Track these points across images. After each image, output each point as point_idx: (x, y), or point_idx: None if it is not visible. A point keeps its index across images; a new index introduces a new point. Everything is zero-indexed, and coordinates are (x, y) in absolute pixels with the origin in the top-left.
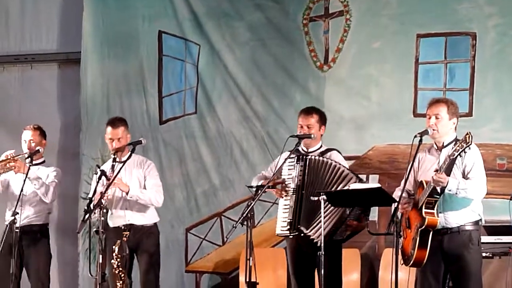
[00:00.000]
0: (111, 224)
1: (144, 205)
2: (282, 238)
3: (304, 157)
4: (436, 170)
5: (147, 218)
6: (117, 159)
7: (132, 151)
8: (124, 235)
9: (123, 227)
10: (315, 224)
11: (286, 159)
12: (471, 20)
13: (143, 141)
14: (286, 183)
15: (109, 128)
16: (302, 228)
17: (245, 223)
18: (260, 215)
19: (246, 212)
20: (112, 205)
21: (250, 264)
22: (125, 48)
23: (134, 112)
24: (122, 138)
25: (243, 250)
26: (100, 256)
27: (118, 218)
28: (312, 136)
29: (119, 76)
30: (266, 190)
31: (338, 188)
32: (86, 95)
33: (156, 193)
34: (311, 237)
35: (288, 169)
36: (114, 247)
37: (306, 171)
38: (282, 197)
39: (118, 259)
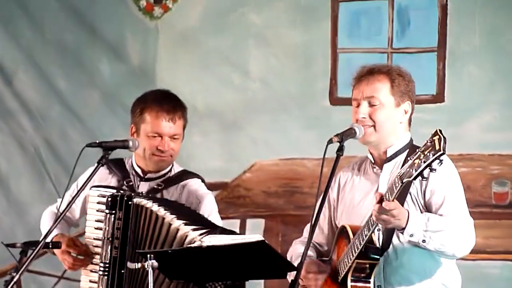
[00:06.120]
0: None
1: None
2: None
3: (126, 200)
4: (382, 198)
5: None
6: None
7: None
8: None
9: None
10: None
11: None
12: None
13: None
14: (94, 237)
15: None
16: None
17: None
18: None
19: None
20: None
21: None
22: None
23: None
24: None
25: None
26: None
27: None
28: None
29: None
30: (48, 251)
31: None
32: None
33: None
34: None
35: (97, 214)
36: None
37: (130, 225)
38: (75, 269)
39: None
